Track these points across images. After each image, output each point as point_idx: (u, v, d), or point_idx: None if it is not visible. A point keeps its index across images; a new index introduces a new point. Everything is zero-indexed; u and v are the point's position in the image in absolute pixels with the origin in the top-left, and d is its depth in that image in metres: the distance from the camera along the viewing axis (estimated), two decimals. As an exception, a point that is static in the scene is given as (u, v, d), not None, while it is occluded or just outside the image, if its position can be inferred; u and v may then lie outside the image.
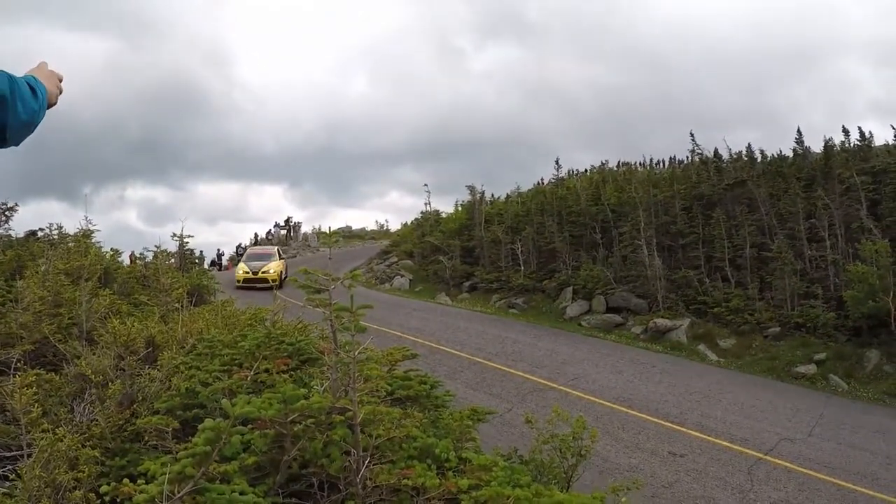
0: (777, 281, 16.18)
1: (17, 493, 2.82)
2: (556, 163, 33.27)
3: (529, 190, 29.80)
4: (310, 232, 46.78)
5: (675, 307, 17.42)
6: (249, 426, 3.07)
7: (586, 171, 32.52)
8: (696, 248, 18.49)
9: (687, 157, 24.49)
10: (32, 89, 1.44)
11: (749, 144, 21.82)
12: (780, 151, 21.61)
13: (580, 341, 15.86)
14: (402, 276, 27.84)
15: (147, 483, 2.63)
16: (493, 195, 30.41)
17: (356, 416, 3.00)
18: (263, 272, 23.06)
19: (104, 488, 2.66)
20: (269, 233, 47.62)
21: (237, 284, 22.34)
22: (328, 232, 45.44)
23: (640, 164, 32.11)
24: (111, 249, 9.20)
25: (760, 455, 8.26)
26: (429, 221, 32.20)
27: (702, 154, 22.56)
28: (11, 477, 3.08)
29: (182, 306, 6.33)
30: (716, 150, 21.80)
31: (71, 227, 9.18)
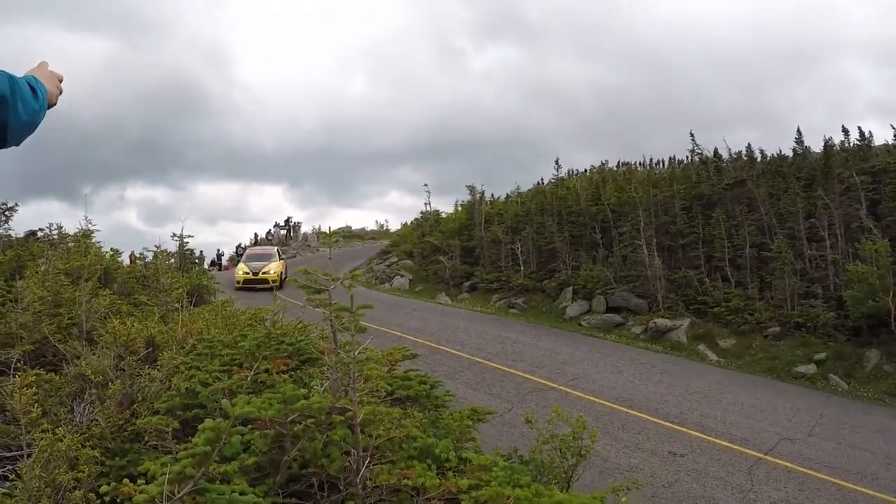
0: (777, 281, 16.18)
1: (17, 493, 2.82)
2: (556, 163, 33.35)
3: (529, 190, 29.83)
4: (310, 232, 46.79)
5: (675, 307, 17.42)
6: (249, 426, 3.07)
7: (586, 171, 32.57)
8: (696, 247, 18.49)
9: (687, 157, 24.51)
10: (33, 89, 1.44)
11: (749, 144, 21.87)
12: (780, 151, 21.66)
13: (580, 341, 15.86)
14: (402, 276, 27.84)
15: (147, 483, 2.63)
16: (492, 195, 30.47)
17: (356, 416, 3.00)
18: (264, 273, 22.78)
19: (104, 488, 2.66)
20: (268, 233, 47.65)
21: (237, 285, 22.02)
22: (328, 232, 45.45)
23: (639, 164, 32.16)
24: (111, 249, 9.21)
25: (760, 455, 8.26)
26: (429, 221, 32.20)
27: (701, 154, 22.58)
28: (11, 477, 3.08)
29: (182, 306, 6.32)
30: (715, 150, 21.84)
31: (71, 227, 9.19)
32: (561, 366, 12.68)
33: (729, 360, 14.71)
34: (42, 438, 2.97)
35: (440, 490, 2.95)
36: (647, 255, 18.60)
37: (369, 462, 3.04)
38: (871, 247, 13.65)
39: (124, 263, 9.87)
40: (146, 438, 3.38)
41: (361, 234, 49.76)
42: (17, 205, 9.64)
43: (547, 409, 7.08)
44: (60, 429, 3.18)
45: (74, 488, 2.88)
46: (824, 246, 16.15)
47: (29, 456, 2.99)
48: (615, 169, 31.63)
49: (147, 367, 4.27)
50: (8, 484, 3.09)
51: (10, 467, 3.22)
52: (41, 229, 9.58)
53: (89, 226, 8.99)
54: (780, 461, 8.08)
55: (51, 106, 1.54)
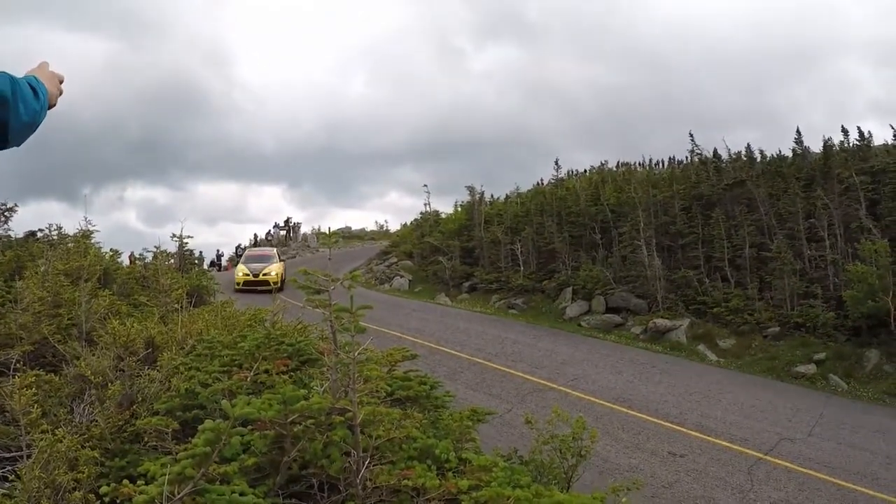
0: (776, 281, 16.19)
1: (17, 494, 2.82)
2: (556, 163, 33.39)
3: (529, 190, 29.84)
4: (309, 232, 46.77)
5: (674, 307, 17.42)
6: (249, 427, 3.07)
7: (586, 171, 32.60)
8: (696, 248, 18.49)
9: (686, 158, 24.53)
10: (34, 90, 1.44)
11: (748, 144, 21.87)
12: (780, 151, 21.66)
13: (580, 342, 15.86)
14: (402, 276, 27.84)
15: (147, 484, 2.63)
16: (492, 196, 30.47)
17: (356, 416, 3.00)
18: (264, 274, 22.24)
19: (104, 489, 2.66)
20: (268, 233, 47.61)
21: (236, 287, 21.41)
22: (327, 232, 45.43)
23: (639, 164, 32.19)
24: (111, 250, 9.20)
25: (760, 455, 8.26)
26: (428, 222, 32.19)
27: (701, 154, 22.59)
28: (11, 478, 3.07)
29: (181, 307, 6.32)
30: (715, 151, 21.85)
31: (70, 228, 9.19)
32: (560, 366, 12.68)
33: (729, 360, 14.71)
34: (42, 439, 2.97)
35: (440, 491, 2.95)
36: (647, 256, 18.61)
37: (369, 463, 3.03)
38: (871, 247, 13.65)
39: (124, 264, 9.87)
40: (146, 439, 3.38)
41: (361, 235, 49.75)
42: (16, 205, 9.66)
43: (547, 410, 7.07)
44: (60, 429, 3.18)
45: (74, 489, 2.88)
46: (824, 246, 16.15)
47: (29, 457, 2.99)
48: (615, 169, 31.66)
49: (147, 367, 4.26)
50: (8, 485, 3.09)
51: (10, 468, 3.22)
52: (41, 230, 9.59)
53: (89, 226, 8.99)
54: (780, 461, 8.08)
55: (51, 107, 1.55)
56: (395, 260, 30.92)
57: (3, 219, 9.28)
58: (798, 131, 21.90)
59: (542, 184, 30.50)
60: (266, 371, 3.98)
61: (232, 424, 2.72)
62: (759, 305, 16.05)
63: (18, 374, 3.69)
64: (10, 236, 9.38)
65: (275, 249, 27.73)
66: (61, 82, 1.62)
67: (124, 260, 10.30)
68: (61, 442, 2.97)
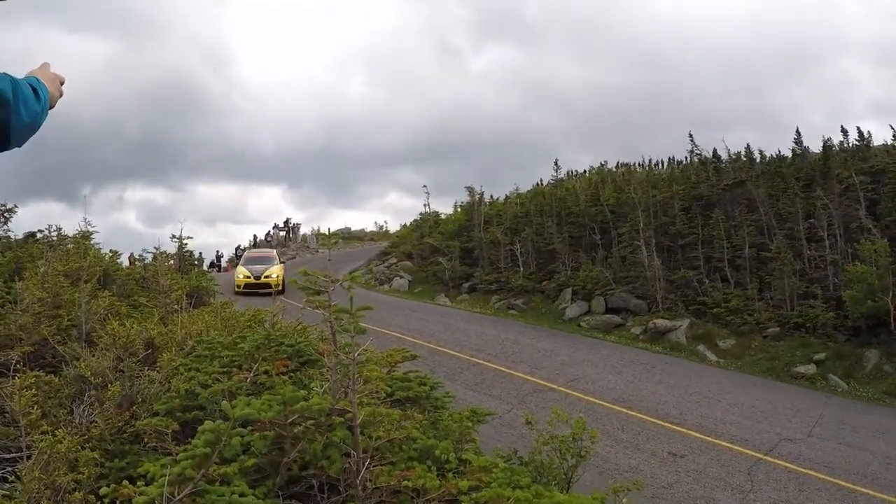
0: (776, 281, 16.19)
1: (17, 494, 2.82)
2: (555, 163, 33.13)
3: (528, 191, 29.82)
4: (309, 233, 46.76)
5: (674, 308, 17.42)
6: (249, 428, 3.07)
7: (585, 171, 32.53)
8: (696, 248, 18.50)
9: (686, 158, 24.52)
10: (35, 91, 1.44)
11: (748, 145, 21.83)
12: (779, 152, 21.64)
13: (579, 342, 15.86)
14: (402, 277, 27.83)
15: (147, 485, 2.63)
16: (492, 196, 30.44)
17: (356, 417, 3.00)
18: (266, 276, 21.56)
19: (104, 490, 2.66)
20: (268, 234, 47.58)
21: (237, 290, 20.68)
22: (327, 233, 45.40)
23: (639, 164, 32.17)
24: (110, 251, 9.19)
25: (760, 455, 8.26)
26: (428, 223, 32.19)
27: (700, 154, 22.60)
28: (11, 479, 3.07)
29: (181, 308, 6.32)
30: (714, 151, 21.84)
31: (70, 229, 9.16)
32: (560, 367, 12.68)
33: (728, 360, 14.71)
34: (42, 440, 2.97)
35: (440, 491, 2.95)
36: (647, 256, 18.61)
37: (369, 463, 3.03)
38: (871, 247, 13.65)
39: (123, 265, 9.88)
40: (146, 440, 3.38)
41: (361, 236, 49.74)
42: (16, 206, 9.61)
43: (547, 410, 7.07)
44: (60, 430, 3.18)
45: (74, 490, 2.88)
46: (823, 246, 16.15)
47: (29, 458, 2.99)
48: (614, 170, 31.65)
49: (146, 368, 4.26)
50: (8, 486, 3.09)
51: (10, 469, 3.22)
52: (40, 231, 9.56)
53: (88, 227, 8.98)
54: (779, 461, 8.08)
55: (50, 108, 1.55)
56: (394, 261, 30.92)
57: (2, 219, 9.27)
58: (797, 131, 21.88)
59: (542, 184, 30.46)
60: (266, 372, 3.98)
61: (232, 425, 2.72)
62: (759, 306, 16.05)
63: (18, 375, 3.69)
64: (9, 237, 9.36)
65: (275, 251, 27.64)
66: (62, 83, 1.62)
67: (124, 261, 10.31)
68: (61, 443, 2.97)
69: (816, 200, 16.65)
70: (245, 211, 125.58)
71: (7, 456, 3.40)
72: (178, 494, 2.52)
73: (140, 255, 9.80)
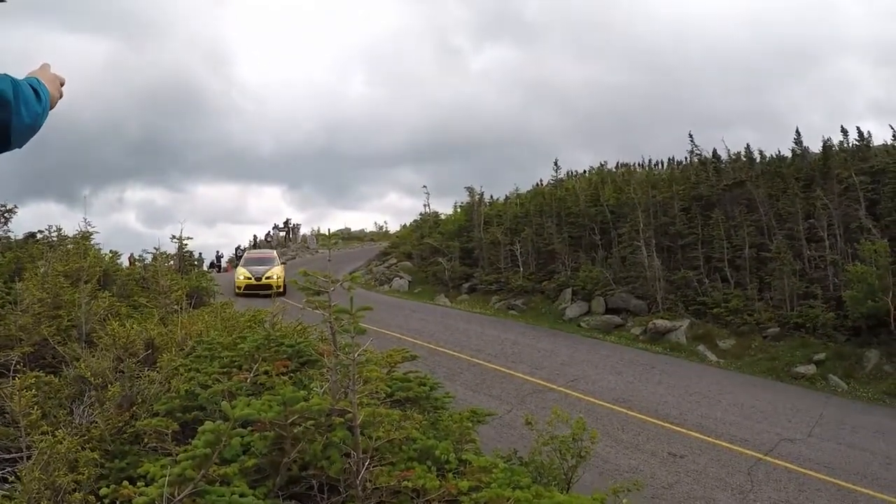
0: (776, 281, 16.19)
1: (17, 495, 2.82)
2: (555, 164, 33.12)
3: (528, 191, 29.83)
4: (309, 234, 46.76)
5: (674, 308, 17.43)
6: (249, 428, 3.08)
7: (585, 172, 32.52)
8: (695, 248, 18.50)
9: (686, 158, 24.54)
10: (35, 92, 1.44)
11: (748, 145, 21.85)
12: (779, 152, 21.66)
13: (579, 342, 15.86)
14: (402, 277, 27.84)
15: (147, 485, 2.63)
16: (492, 196, 30.43)
17: (356, 417, 3.00)
18: (267, 278, 21.14)
19: (104, 490, 2.66)
20: (267, 235, 47.58)
21: (237, 291, 20.38)
22: (327, 234, 45.34)
23: (638, 164, 32.16)
24: (110, 251, 9.19)
25: (760, 455, 8.26)
26: (428, 223, 32.20)
27: (700, 155, 22.61)
28: (11, 479, 3.07)
29: (181, 308, 6.32)
30: (714, 151, 21.86)
31: (70, 229, 9.15)
32: (560, 367, 12.68)
33: (728, 360, 14.71)
34: (42, 440, 2.97)
35: (440, 492, 2.95)
36: (647, 256, 18.62)
37: (369, 464, 3.04)
38: (871, 247, 13.65)
39: (123, 265, 9.87)
40: (146, 440, 3.38)
41: (360, 236, 49.74)
42: (16, 206, 9.60)
43: (547, 411, 7.07)
44: (60, 431, 3.18)
45: (74, 490, 2.88)
46: (823, 246, 16.16)
47: (28, 458, 2.99)
48: (614, 170, 31.65)
49: (146, 369, 4.26)
50: (8, 486, 3.09)
51: (10, 469, 3.22)
52: (40, 231, 9.55)
53: (88, 227, 8.97)
54: (779, 462, 8.08)
55: (51, 108, 1.55)
56: (394, 261, 30.92)
57: (2, 220, 9.27)
58: (797, 131, 21.91)
59: (542, 184, 30.45)
60: (266, 372, 3.98)
61: (232, 426, 2.72)
62: (759, 306, 16.05)
63: (18, 375, 3.69)
64: (9, 238, 9.35)
65: (275, 251, 27.56)
66: (62, 84, 1.62)
67: (124, 261, 10.30)
68: (61, 443, 2.97)
69: (816, 200, 16.65)
70: (245, 211, 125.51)
71: (7, 456, 3.40)
72: (179, 495, 2.52)
73: (140, 256, 9.81)
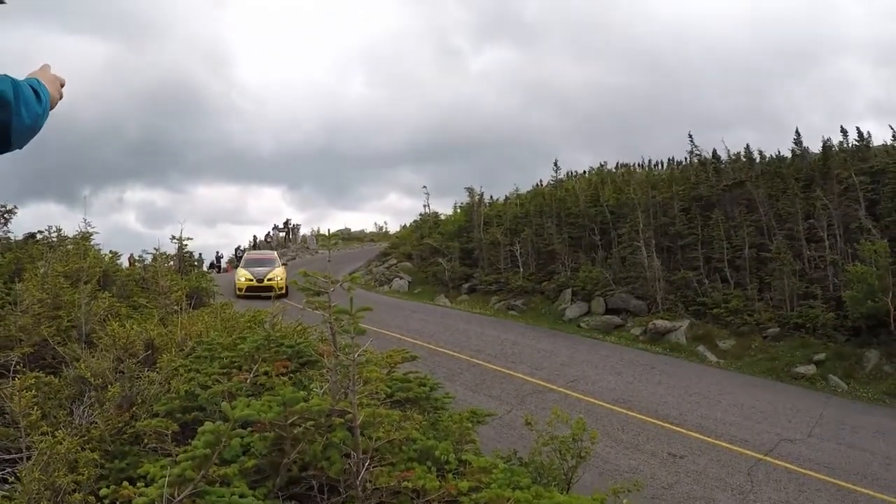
0: (776, 281, 16.19)
1: (17, 495, 2.82)
2: (555, 164, 33.17)
3: (528, 191, 29.82)
4: (308, 234, 46.76)
5: (674, 308, 17.43)
6: (249, 429, 3.08)
7: (585, 172, 32.53)
8: (695, 249, 18.50)
9: (685, 159, 24.55)
10: (36, 93, 1.44)
11: (748, 145, 21.85)
12: (779, 152, 21.67)
13: (579, 343, 15.86)
14: (401, 278, 27.84)
15: (147, 486, 2.63)
16: (491, 197, 30.43)
17: (356, 418, 3.00)
18: (269, 279, 20.83)
19: (104, 491, 2.66)
20: (267, 235, 47.58)
21: (238, 293, 20.08)
22: (327, 234, 45.31)
23: (638, 165, 32.17)
24: (110, 252, 9.19)
25: (760, 456, 8.26)
26: (427, 223, 32.20)
27: (700, 155, 22.62)
28: (11, 480, 3.07)
29: (181, 309, 6.32)
30: (714, 151, 21.86)
31: (70, 230, 9.15)
32: (560, 367, 12.68)
33: (728, 361, 14.71)
34: (41, 441, 2.97)
35: (440, 492, 2.95)
36: (646, 257, 18.62)
37: (369, 464, 3.04)
38: (870, 247, 13.65)
39: (123, 266, 9.87)
40: (146, 441, 3.38)
41: (360, 237, 49.73)
42: (16, 207, 9.59)
43: (546, 411, 7.07)
44: (60, 431, 3.18)
45: (74, 491, 2.88)
46: (823, 246, 16.16)
47: (28, 458, 2.99)
48: (614, 170, 31.66)
49: (146, 369, 4.26)
50: (7, 486, 3.09)
51: (10, 470, 3.22)
52: (40, 231, 9.54)
53: (88, 228, 8.98)
54: (779, 462, 8.08)
55: (51, 109, 1.55)
56: (394, 261, 30.92)
57: (2, 220, 9.26)
58: (797, 132, 21.93)
59: (542, 185, 30.46)
60: (266, 373, 3.98)
61: (232, 426, 2.72)
62: (759, 306, 16.05)
63: (18, 376, 3.69)
64: (9, 238, 9.35)
65: (275, 252, 27.47)
66: (62, 85, 1.63)
67: (124, 262, 10.30)
68: (61, 444, 2.97)
69: (816, 201, 16.65)
70: (245, 212, 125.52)
71: (7, 457, 3.40)
72: (178, 495, 2.52)
73: (140, 256, 9.80)
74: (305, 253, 41.52)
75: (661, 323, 16.72)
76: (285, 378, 4.02)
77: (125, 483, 2.72)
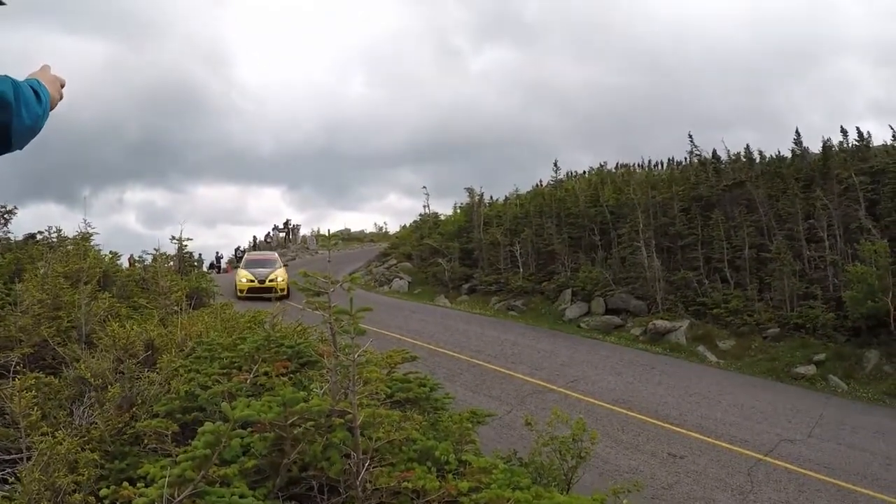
0: (776, 282, 16.20)
1: (17, 496, 2.82)
2: (555, 164, 33.18)
3: (528, 192, 29.83)
4: (308, 234, 46.76)
5: (674, 308, 17.43)
6: (249, 429, 3.08)
7: (585, 172, 32.54)
8: (695, 249, 18.51)
9: (685, 159, 24.56)
10: (36, 93, 1.45)
11: (748, 145, 21.86)
12: (779, 152, 21.66)
13: (579, 343, 15.86)
14: (401, 278, 27.84)
15: (147, 486, 2.63)
16: (491, 197, 30.45)
17: (356, 418, 3.00)
18: (271, 280, 20.63)
19: (104, 492, 2.66)
20: (267, 235, 47.58)
21: (239, 294, 19.86)
22: (327, 234, 45.28)
23: (638, 165, 32.17)
24: (110, 252, 9.19)
25: (760, 456, 8.26)
26: (427, 224, 32.21)
27: (700, 155, 22.63)
28: (11, 480, 3.07)
29: (181, 309, 6.32)
30: (714, 151, 21.87)
31: (70, 230, 9.15)
32: (560, 368, 12.68)
33: (728, 361, 14.71)
34: (41, 441, 2.97)
35: (440, 492, 2.95)
36: (646, 257, 18.62)
37: (369, 465, 3.04)
38: (870, 247, 13.66)
39: (123, 266, 9.88)
40: (146, 441, 3.38)
41: (360, 237, 49.73)
42: (16, 207, 9.60)
43: (546, 411, 7.07)
44: (60, 432, 3.18)
45: (74, 491, 2.88)
46: (823, 247, 16.16)
47: (28, 459, 2.99)
48: (614, 170, 31.67)
49: (146, 370, 4.27)
50: (7, 487, 3.09)
51: (10, 470, 3.22)
52: (40, 232, 9.55)
53: (88, 228, 8.98)
54: (779, 462, 8.08)
55: (51, 109, 1.55)
56: (394, 262, 30.92)
57: (2, 221, 9.26)
58: (797, 132, 21.92)
59: (542, 185, 30.46)
60: (266, 373, 3.98)
61: (232, 427, 2.72)
62: (759, 306, 16.05)
63: (18, 376, 3.69)
64: (9, 239, 9.35)
65: (276, 253, 27.40)
66: (62, 86, 1.63)
67: (124, 262, 10.30)
68: (61, 444, 2.97)
69: (816, 201, 16.65)
70: (245, 212, 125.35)
71: (7, 457, 3.40)
72: (178, 496, 2.52)
73: (140, 257, 9.81)
74: (305, 253, 41.52)
75: (661, 323, 16.72)
76: (285, 378, 4.02)
77: (125, 483, 2.72)
